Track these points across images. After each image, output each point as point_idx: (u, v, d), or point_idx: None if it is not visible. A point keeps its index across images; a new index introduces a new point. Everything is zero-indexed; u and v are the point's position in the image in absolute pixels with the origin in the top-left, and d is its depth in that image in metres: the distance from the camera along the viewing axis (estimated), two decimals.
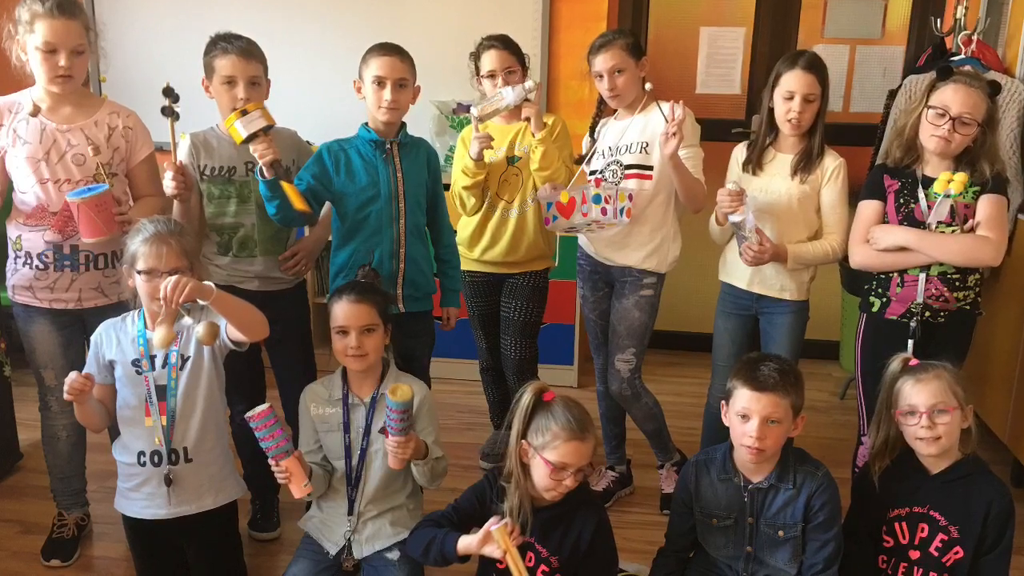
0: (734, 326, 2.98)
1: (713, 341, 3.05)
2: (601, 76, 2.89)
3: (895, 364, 2.38)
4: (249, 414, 2.22)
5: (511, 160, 3.08)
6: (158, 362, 2.38)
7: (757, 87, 4.36)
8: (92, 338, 2.46)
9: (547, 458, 2.16)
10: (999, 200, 2.60)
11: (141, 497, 2.42)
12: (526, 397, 2.22)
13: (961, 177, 2.54)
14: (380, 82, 2.63)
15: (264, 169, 2.49)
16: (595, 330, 3.20)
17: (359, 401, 2.49)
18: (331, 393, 2.51)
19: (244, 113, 2.46)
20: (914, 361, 2.37)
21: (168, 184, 2.61)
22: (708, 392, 3.12)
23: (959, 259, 2.59)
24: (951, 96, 2.56)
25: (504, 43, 3.05)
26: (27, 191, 2.58)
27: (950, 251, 2.58)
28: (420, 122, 3.82)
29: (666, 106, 2.75)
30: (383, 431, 2.35)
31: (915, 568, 2.33)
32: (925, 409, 2.25)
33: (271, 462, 2.27)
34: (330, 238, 2.87)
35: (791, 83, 2.73)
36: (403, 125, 2.75)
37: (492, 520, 2.12)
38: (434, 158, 2.85)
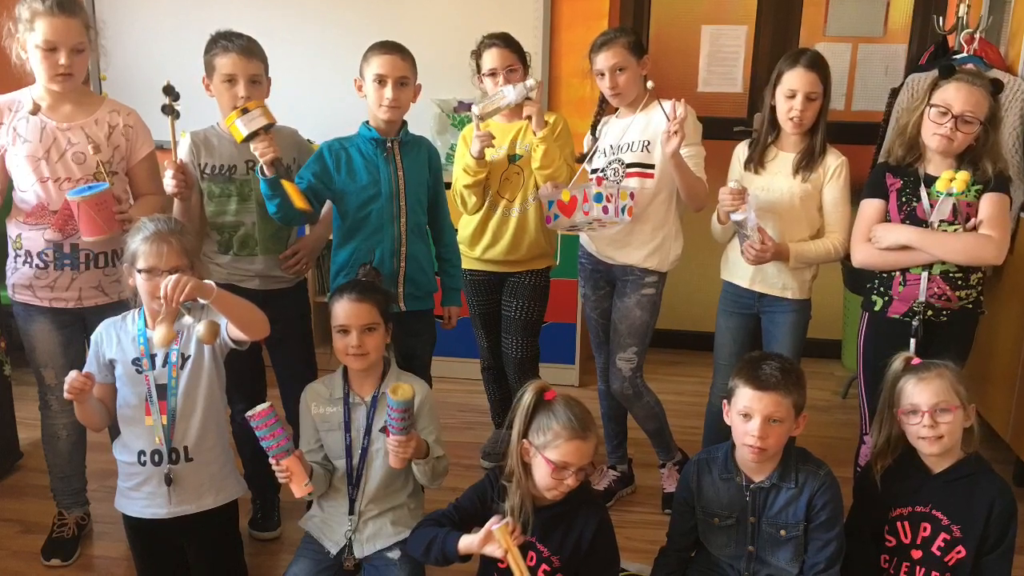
0: (736, 325, 2.97)
1: (715, 340, 3.05)
2: (603, 74, 2.89)
3: (897, 363, 2.38)
4: (249, 413, 2.22)
5: (512, 158, 3.08)
6: (158, 361, 2.38)
7: (759, 85, 4.34)
8: (92, 337, 2.45)
9: (548, 457, 2.15)
10: (1001, 199, 2.59)
11: (141, 496, 2.42)
12: (527, 396, 2.21)
13: (963, 176, 2.53)
14: (381, 80, 2.63)
15: (265, 167, 2.49)
16: (596, 329, 3.20)
17: (360, 400, 2.48)
18: (332, 392, 2.51)
19: (245, 111, 2.45)
20: (916, 360, 2.37)
21: (168, 183, 2.61)
22: (710, 391, 3.11)
23: (961, 258, 2.58)
24: (953, 94, 2.55)
25: (505, 41, 3.05)
26: (27, 190, 2.57)
27: (952, 250, 2.58)
28: (421, 120, 3.81)
29: (667, 104, 2.75)
30: (384, 430, 2.35)
31: (917, 567, 2.33)
32: (927, 408, 2.25)
33: (272, 461, 2.26)
34: (331, 237, 2.87)
35: (793, 81, 2.73)
36: (404, 123, 2.75)
37: (493, 519, 2.12)
38: (435, 156, 2.85)
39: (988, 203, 2.57)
